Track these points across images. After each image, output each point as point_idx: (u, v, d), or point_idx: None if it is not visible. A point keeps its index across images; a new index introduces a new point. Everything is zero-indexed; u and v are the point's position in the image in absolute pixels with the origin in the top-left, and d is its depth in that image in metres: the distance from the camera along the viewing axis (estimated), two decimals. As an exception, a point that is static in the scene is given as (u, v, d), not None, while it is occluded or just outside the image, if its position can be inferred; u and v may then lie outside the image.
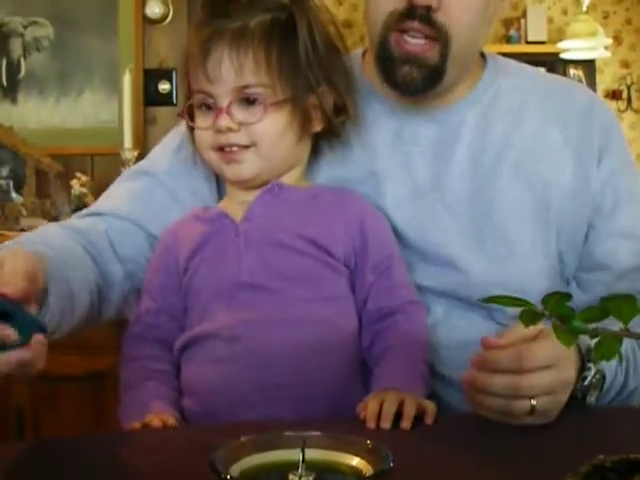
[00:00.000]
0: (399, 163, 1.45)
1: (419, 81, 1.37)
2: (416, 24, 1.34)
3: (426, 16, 1.33)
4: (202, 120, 1.36)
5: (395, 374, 1.25)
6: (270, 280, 1.29)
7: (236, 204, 1.38)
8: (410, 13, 1.34)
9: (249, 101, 1.32)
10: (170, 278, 1.37)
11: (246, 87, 1.31)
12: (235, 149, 1.33)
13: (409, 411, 1.14)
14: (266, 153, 1.34)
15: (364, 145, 1.45)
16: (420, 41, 1.36)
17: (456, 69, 1.40)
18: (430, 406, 1.17)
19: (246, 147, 1.33)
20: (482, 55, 1.54)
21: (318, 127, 1.39)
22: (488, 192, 1.43)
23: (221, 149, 1.34)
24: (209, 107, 1.34)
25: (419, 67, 1.37)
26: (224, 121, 1.31)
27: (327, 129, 1.39)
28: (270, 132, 1.33)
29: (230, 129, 1.32)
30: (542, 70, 1.63)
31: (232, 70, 1.30)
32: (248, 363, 1.25)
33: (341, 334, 1.30)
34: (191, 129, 1.41)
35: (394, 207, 1.42)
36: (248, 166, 1.34)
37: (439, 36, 1.35)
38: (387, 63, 1.39)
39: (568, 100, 1.50)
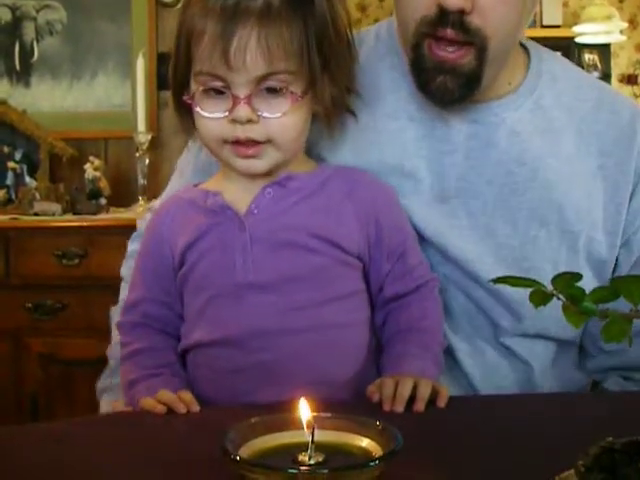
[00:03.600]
0: (427, 161, 1.39)
1: (455, 91, 1.30)
2: (449, 31, 1.25)
3: (459, 21, 1.24)
4: (211, 107, 1.23)
5: (407, 358, 1.23)
6: (280, 282, 1.22)
7: (239, 191, 1.28)
8: (442, 19, 1.25)
9: (270, 90, 1.21)
10: (165, 267, 1.30)
11: (272, 74, 1.19)
12: (250, 144, 1.22)
13: (423, 393, 1.12)
14: (284, 148, 1.24)
15: (393, 137, 1.39)
16: (454, 47, 1.27)
17: (494, 68, 1.33)
18: (443, 389, 1.16)
19: (261, 143, 1.22)
20: (523, 46, 1.46)
21: (321, 108, 1.28)
22: (514, 208, 1.38)
23: (234, 142, 1.23)
24: (219, 92, 1.22)
25: (454, 76, 1.29)
26: (243, 112, 1.19)
27: (331, 110, 1.30)
28: (292, 127, 1.24)
29: (250, 120, 1.20)
30: (581, 72, 1.55)
31: (260, 57, 1.18)
32: (260, 374, 1.21)
33: (355, 331, 1.27)
34: (181, 110, 1.29)
35: (415, 206, 1.37)
36: (265, 161, 1.24)
37: (475, 41, 1.26)
38: (421, 73, 1.32)
39: (609, 123, 1.43)
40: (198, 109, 1.24)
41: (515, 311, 1.38)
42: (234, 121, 1.21)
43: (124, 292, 1.49)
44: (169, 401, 1.13)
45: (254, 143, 1.22)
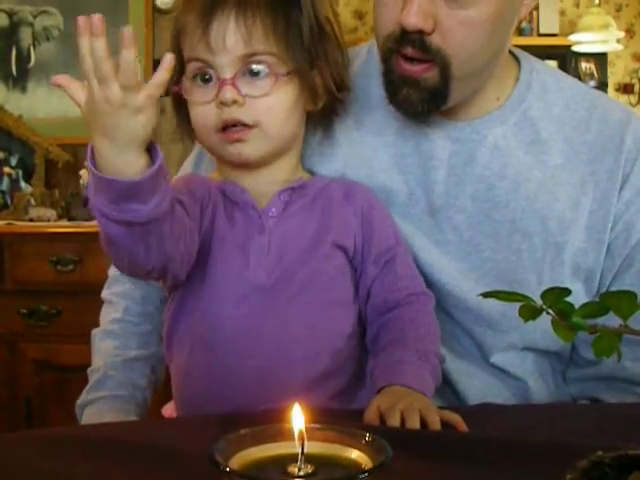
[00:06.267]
0: (413, 176, 1.40)
1: (417, 104, 1.31)
2: (410, 50, 1.27)
3: (420, 40, 1.26)
4: (200, 94, 1.26)
5: (403, 368, 1.20)
6: (287, 286, 1.24)
7: (254, 192, 1.29)
8: (404, 38, 1.27)
9: (254, 73, 1.24)
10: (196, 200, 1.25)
11: (253, 55, 1.23)
12: (239, 128, 1.24)
13: (434, 425, 1.08)
14: (272, 132, 1.26)
15: (380, 153, 1.41)
16: (417, 62, 1.29)
17: (464, 85, 1.33)
18: (454, 417, 1.10)
19: (250, 127, 1.24)
20: (516, 57, 1.46)
21: (314, 107, 1.32)
22: (497, 222, 1.39)
23: (223, 130, 1.25)
24: (205, 80, 1.25)
25: (418, 89, 1.30)
26: (229, 93, 1.22)
27: (324, 110, 1.34)
28: (277, 108, 1.26)
29: (235, 101, 1.22)
30: (575, 83, 1.52)
31: (239, 37, 1.22)
32: (255, 381, 1.21)
33: (349, 338, 1.27)
34: (179, 109, 1.33)
35: (402, 221, 1.38)
36: (253, 146, 1.26)
37: (435, 60, 1.27)
38: (388, 85, 1.34)
39: (600, 131, 1.43)
40: (187, 96, 1.27)
41: (497, 326, 1.38)
42: (221, 104, 1.23)
43: (109, 315, 1.53)
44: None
45: (242, 127, 1.24)
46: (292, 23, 1.26)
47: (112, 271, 1.59)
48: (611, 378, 1.43)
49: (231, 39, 1.22)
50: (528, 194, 1.39)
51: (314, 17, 1.28)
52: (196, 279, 1.25)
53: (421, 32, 1.25)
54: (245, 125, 1.24)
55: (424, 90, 1.30)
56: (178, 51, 1.28)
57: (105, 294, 1.58)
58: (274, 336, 1.22)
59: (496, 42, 1.32)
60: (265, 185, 1.30)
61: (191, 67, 1.26)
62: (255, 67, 1.24)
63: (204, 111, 1.26)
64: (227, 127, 1.25)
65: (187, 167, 1.57)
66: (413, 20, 1.24)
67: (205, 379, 1.23)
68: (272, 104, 1.25)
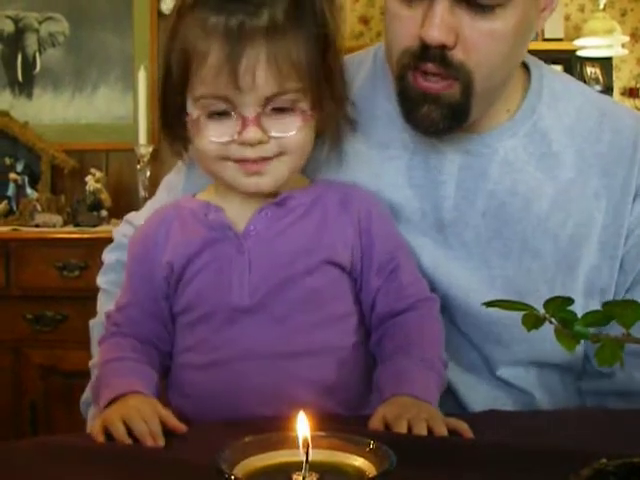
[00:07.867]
0: (422, 190, 1.37)
1: (439, 122, 1.26)
2: (430, 65, 1.22)
3: (441, 55, 1.20)
4: (217, 130, 1.18)
5: (408, 376, 1.18)
6: (275, 305, 1.20)
7: (237, 209, 1.25)
8: (424, 53, 1.21)
9: (279, 110, 1.17)
10: (156, 275, 1.25)
11: (282, 94, 1.16)
12: (260, 160, 1.18)
13: (440, 434, 1.07)
14: (294, 164, 1.22)
15: (387, 166, 1.38)
16: (438, 78, 1.23)
17: (485, 101, 1.29)
18: (461, 425, 1.09)
19: (270, 158, 1.19)
20: (525, 65, 1.41)
21: (322, 125, 1.26)
22: (508, 240, 1.35)
23: (240, 160, 1.19)
24: (222, 114, 1.18)
25: (439, 106, 1.25)
26: (253, 133, 1.15)
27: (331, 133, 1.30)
28: (303, 143, 1.21)
29: (260, 142, 1.16)
30: (583, 89, 1.48)
31: (270, 76, 1.14)
32: (250, 398, 1.19)
33: (349, 354, 1.24)
34: (171, 136, 1.27)
35: (410, 235, 1.35)
36: (272, 178, 1.20)
37: (458, 75, 1.22)
38: (405, 102, 1.28)
39: (612, 143, 1.39)
40: (204, 134, 1.19)
41: (506, 340, 1.36)
42: (244, 143, 1.17)
43: (105, 305, 1.49)
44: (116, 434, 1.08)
45: (263, 159, 1.19)
46: (313, 47, 1.19)
47: (107, 257, 1.56)
48: (626, 393, 1.40)
49: (262, 78, 1.14)
50: (540, 212, 1.35)
51: (332, 51, 1.23)
52: (185, 307, 1.25)
53: (443, 47, 1.20)
54: (267, 158, 1.19)
55: (445, 107, 1.25)
56: (182, 74, 1.19)
57: (100, 281, 1.54)
58: (270, 355, 1.20)
59: (516, 55, 1.29)
60: (257, 202, 1.25)
61: (206, 103, 1.18)
62: (281, 105, 1.18)
63: (219, 146, 1.19)
64: (245, 159, 1.19)
65: (176, 181, 1.50)
66: (436, 34, 1.18)
67: (203, 399, 1.23)
68: (299, 141, 1.20)
